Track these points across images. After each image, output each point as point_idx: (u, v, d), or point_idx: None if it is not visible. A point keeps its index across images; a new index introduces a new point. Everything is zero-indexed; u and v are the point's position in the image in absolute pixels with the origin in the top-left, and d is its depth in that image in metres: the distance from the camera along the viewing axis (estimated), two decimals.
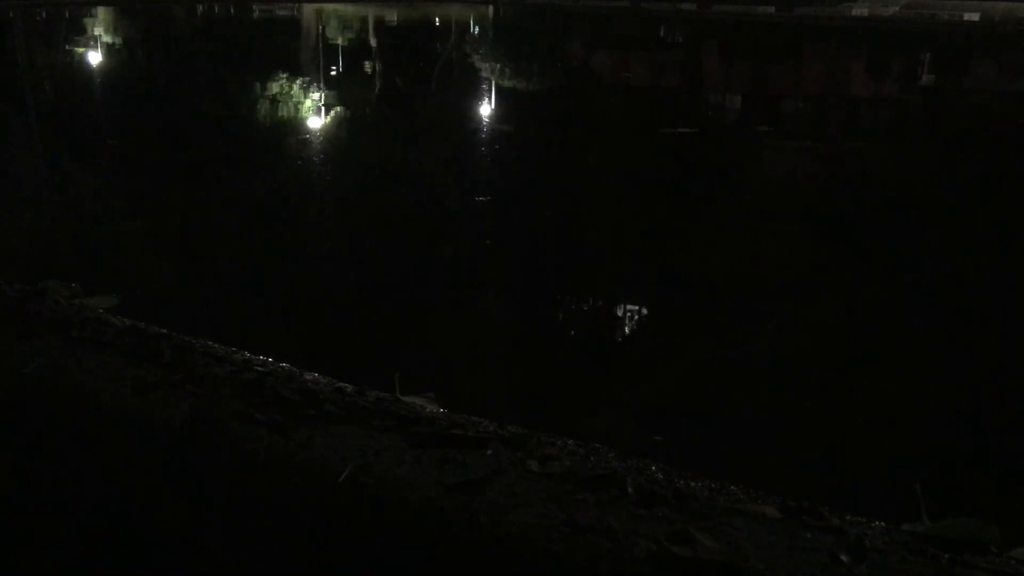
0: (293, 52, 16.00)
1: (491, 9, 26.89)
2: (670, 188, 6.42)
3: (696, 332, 3.82)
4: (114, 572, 1.23)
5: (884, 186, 6.69)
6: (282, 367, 1.47)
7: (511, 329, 3.82)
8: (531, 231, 5.22)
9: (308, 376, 1.43)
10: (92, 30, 19.23)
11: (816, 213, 5.81)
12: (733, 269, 4.55)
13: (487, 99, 10.99)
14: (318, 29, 21.19)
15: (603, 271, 4.61)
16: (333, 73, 13.28)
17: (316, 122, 8.88)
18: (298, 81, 11.35)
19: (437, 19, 24.90)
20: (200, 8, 26.05)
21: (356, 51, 16.85)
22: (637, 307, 4.12)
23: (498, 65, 14.27)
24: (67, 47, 15.63)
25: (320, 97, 10.21)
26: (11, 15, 20.63)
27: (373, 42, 19.07)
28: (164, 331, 1.58)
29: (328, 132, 8.38)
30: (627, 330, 3.92)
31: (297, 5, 26.38)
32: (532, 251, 4.85)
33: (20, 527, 1.30)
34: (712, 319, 3.94)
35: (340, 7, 26.81)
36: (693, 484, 1.14)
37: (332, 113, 9.30)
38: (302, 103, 9.72)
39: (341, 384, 1.41)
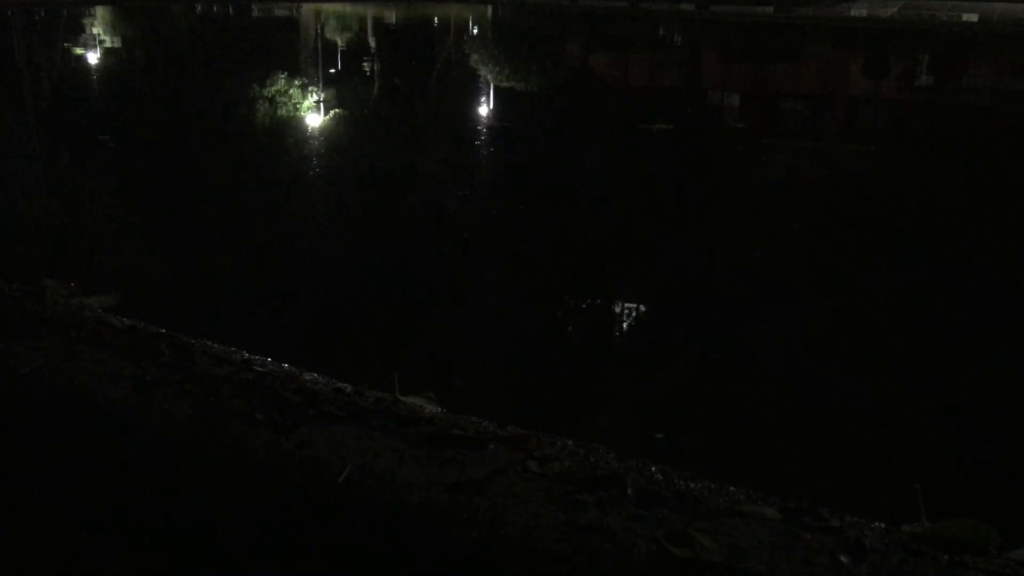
0: (292, 52, 15.99)
1: (489, 9, 26.88)
2: (639, 182, 6.52)
3: (679, 329, 3.83)
4: (113, 571, 1.22)
5: (873, 186, 6.70)
6: (281, 367, 1.47)
7: (505, 326, 3.82)
8: (522, 226, 5.24)
9: (307, 376, 1.43)
10: (90, 29, 19.21)
11: (790, 211, 5.83)
12: (705, 264, 4.59)
13: (484, 98, 11.00)
14: (317, 29, 21.18)
15: (585, 264, 4.63)
16: (332, 72, 13.28)
17: (314, 121, 8.87)
18: (297, 81, 11.34)
19: (436, 19, 24.90)
20: (199, 7, 26.02)
21: (355, 51, 16.84)
22: (621, 302, 4.14)
23: (495, 65, 14.29)
24: (65, 46, 15.62)
25: (319, 97, 10.21)
26: (9, 13, 20.61)
27: (372, 42, 19.07)
28: (163, 331, 1.58)
29: (326, 131, 8.38)
30: (615, 326, 3.92)
31: (296, 5, 26.36)
32: (520, 244, 4.86)
33: (19, 527, 1.30)
34: (687, 316, 3.96)
35: (339, 7, 26.79)
36: (693, 485, 1.14)
37: (331, 113, 9.30)
38: (301, 103, 9.72)
39: (340, 384, 1.40)
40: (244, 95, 10.24)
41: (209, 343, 1.54)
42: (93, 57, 14.39)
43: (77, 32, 18.43)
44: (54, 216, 5.45)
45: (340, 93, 10.67)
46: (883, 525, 1.07)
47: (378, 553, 1.07)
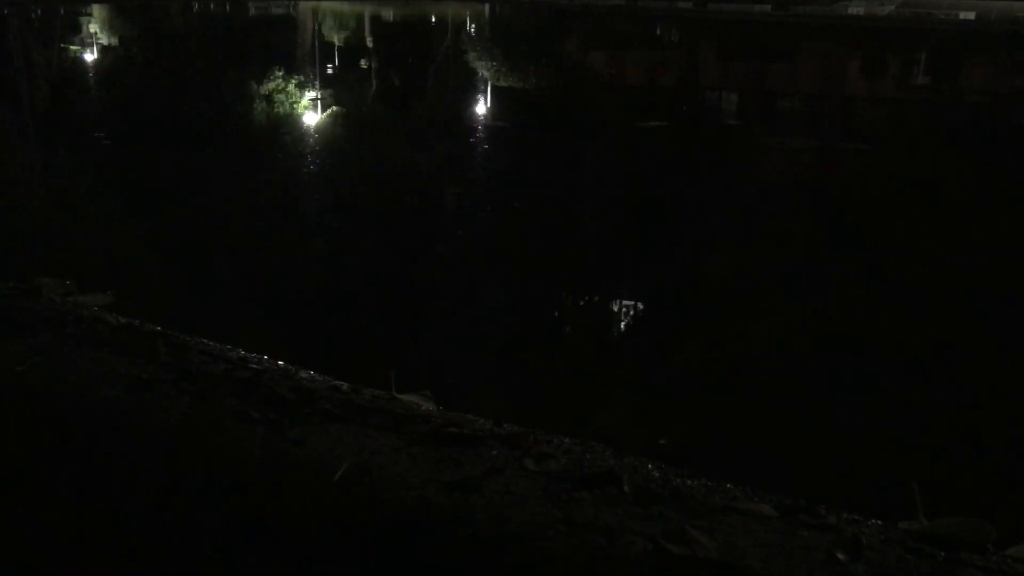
0: (289, 50, 15.97)
1: (487, 8, 26.88)
2: (633, 180, 6.55)
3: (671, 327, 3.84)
4: (108, 570, 1.22)
5: (869, 185, 6.71)
6: (277, 365, 1.46)
7: (503, 324, 3.82)
8: (517, 223, 5.25)
9: (303, 374, 1.42)
10: (87, 28, 19.18)
11: (783, 209, 5.83)
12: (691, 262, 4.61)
13: (481, 96, 11.01)
14: (314, 27, 21.16)
15: (579, 263, 4.64)
16: (329, 71, 13.27)
17: (311, 120, 8.87)
18: (294, 79, 11.33)
19: (434, 17, 24.89)
20: (196, 6, 25.99)
21: (353, 50, 16.82)
22: (616, 300, 4.15)
23: (492, 63, 14.30)
24: (62, 45, 15.59)
25: (316, 95, 10.19)
26: (5, 12, 20.57)
27: (369, 41, 19.05)
28: (159, 329, 1.57)
29: (323, 130, 8.37)
30: (610, 325, 3.93)
31: (293, 3, 26.34)
32: (515, 242, 4.87)
33: (15, 526, 1.29)
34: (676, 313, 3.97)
35: (336, 5, 26.77)
36: (690, 483, 1.14)
37: (328, 111, 9.29)
38: (298, 101, 9.71)
39: (337, 382, 1.40)
40: (241, 93, 10.23)
41: (205, 341, 1.54)
42: (89, 56, 14.37)
43: (74, 31, 18.40)
44: (50, 214, 5.43)
45: (337, 92, 10.66)
46: (880, 522, 1.07)
47: (374, 552, 1.07)
